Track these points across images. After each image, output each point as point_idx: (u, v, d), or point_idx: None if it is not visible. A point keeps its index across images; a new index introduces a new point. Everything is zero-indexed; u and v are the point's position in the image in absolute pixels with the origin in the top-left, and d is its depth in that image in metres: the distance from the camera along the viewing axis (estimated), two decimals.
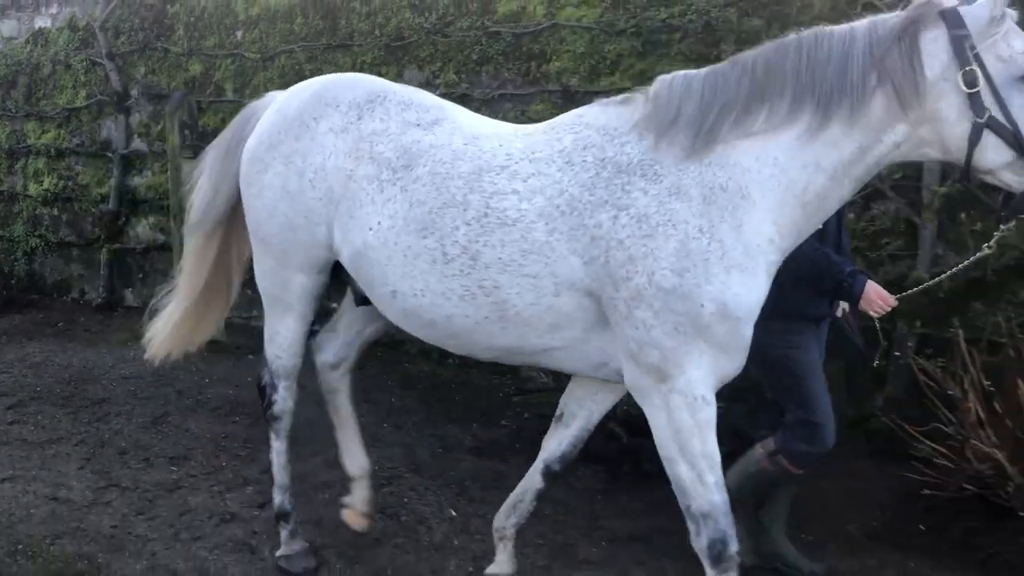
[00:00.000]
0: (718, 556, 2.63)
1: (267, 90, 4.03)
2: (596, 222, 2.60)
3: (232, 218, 3.42)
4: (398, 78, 5.79)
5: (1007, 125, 2.39)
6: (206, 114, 7.08)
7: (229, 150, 3.38)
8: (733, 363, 2.63)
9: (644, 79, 3.71)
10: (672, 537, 3.49)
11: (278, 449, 3.50)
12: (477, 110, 3.53)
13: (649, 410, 2.69)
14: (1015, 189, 2.48)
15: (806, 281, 3.16)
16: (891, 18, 2.52)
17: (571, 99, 5.43)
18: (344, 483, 3.81)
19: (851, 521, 4.04)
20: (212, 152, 3.50)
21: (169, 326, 3.60)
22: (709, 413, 2.60)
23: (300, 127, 3.04)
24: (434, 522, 3.99)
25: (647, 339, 2.57)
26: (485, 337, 2.82)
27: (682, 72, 2.69)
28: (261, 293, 3.33)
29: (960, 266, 2.99)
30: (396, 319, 3.01)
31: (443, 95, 3.67)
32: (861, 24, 2.54)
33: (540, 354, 2.84)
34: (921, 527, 3.96)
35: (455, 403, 5.49)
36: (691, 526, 2.66)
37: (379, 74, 4.94)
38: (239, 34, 7.01)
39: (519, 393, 5.50)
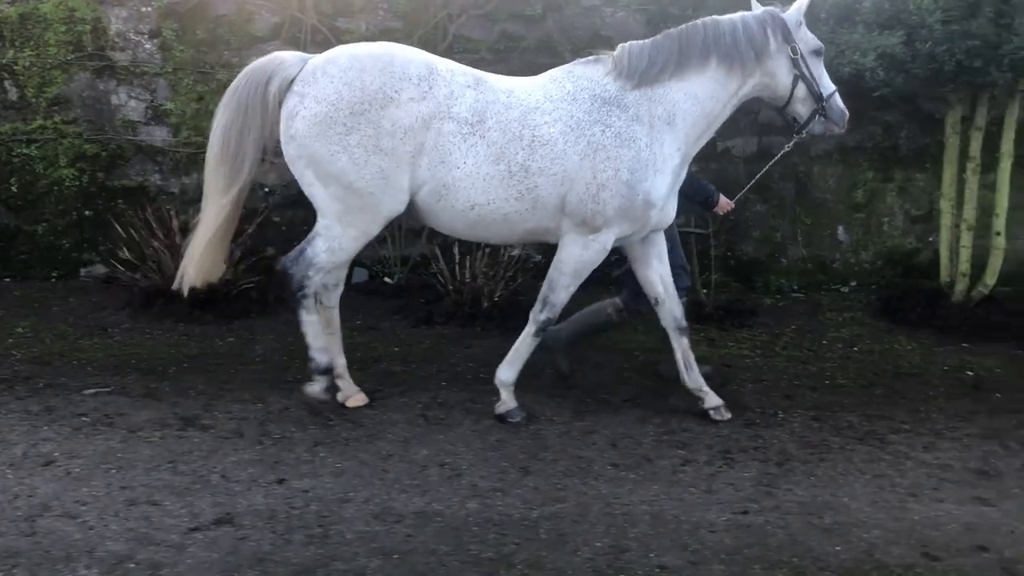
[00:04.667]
0: (544, 328, 4.36)
1: None
2: (592, 133, 4.04)
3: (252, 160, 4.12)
4: None
5: (809, 77, 4.25)
6: None
7: (250, 103, 4.05)
8: (631, 230, 4.19)
9: None
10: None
11: (312, 320, 4.20)
12: None
13: (568, 246, 4.20)
14: (803, 116, 4.35)
15: (688, 197, 4.72)
16: (751, 15, 4.25)
17: None
18: None
19: None
20: (231, 102, 4.10)
21: (199, 257, 4.16)
22: (602, 258, 4.23)
23: (384, 98, 3.90)
24: None
25: (599, 211, 4.07)
26: (522, 224, 4.13)
27: (634, 41, 4.20)
28: (330, 215, 4.04)
29: (769, 164, 5.14)
30: (464, 224, 4.14)
31: None
32: (736, 16, 4.23)
33: (543, 232, 4.22)
34: None
35: None
36: (540, 306, 4.33)
37: None
38: None
39: None
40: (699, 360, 4.76)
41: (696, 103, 4.16)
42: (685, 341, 4.49)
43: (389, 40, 6.51)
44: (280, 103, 4.02)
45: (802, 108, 4.31)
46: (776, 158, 5.01)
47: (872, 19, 5.53)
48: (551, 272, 4.31)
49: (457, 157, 3.98)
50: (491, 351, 5.36)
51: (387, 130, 3.89)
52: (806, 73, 4.23)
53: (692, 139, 4.23)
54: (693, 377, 4.53)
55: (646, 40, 4.20)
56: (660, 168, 4.10)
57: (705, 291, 6.30)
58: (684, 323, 4.49)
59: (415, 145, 3.94)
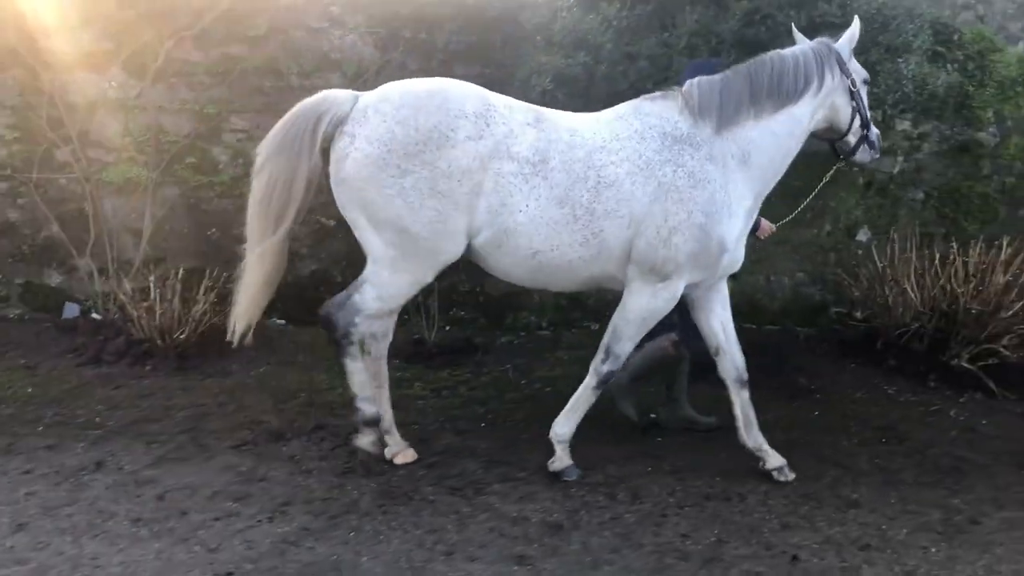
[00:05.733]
0: (607, 380, 4.02)
1: None
2: (663, 173, 3.75)
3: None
4: None
5: (862, 108, 4.13)
6: None
7: (299, 147, 3.70)
8: (702, 276, 3.92)
9: None
10: None
11: (359, 368, 3.90)
12: None
13: (635, 295, 3.89)
14: (850, 144, 4.20)
15: None
16: (810, 48, 4.06)
17: None
18: None
19: None
20: (275, 147, 3.75)
21: (248, 304, 3.88)
22: (671, 306, 3.95)
23: (440, 137, 3.59)
24: None
25: (671, 256, 3.77)
26: (586, 271, 3.83)
27: (702, 77, 3.96)
28: (383, 262, 3.73)
29: (809, 197, 4.65)
30: (524, 271, 3.85)
31: None
32: (797, 50, 4.05)
33: (606, 280, 3.94)
34: None
35: None
36: (602, 356, 3.98)
37: None
38: None
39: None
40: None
41: (774, 139, 3.94)
42: (745, 395, 4.18)
43: (98, 61, 6.43)
44: (329, 144, 3.72)
45: (852, 138, 4.20)
46: (822, 183, 4.86)
47: (559, 39, 5.24)
48: (615, 321, 3.98)
49: (519, 200, 3.68)
50: (137, 394, 4.94)
51: (443, 171, 3.59)
52: (861, 104, 4.13)
53: (769, 177, 4.00)
54: (752, 435, 4.19)
55: (712, 76, 3.97)
56: (734, 211, 3.85)
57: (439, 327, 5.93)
58: (745, 375, 4.18)
59: (472, 186, 3.63)
